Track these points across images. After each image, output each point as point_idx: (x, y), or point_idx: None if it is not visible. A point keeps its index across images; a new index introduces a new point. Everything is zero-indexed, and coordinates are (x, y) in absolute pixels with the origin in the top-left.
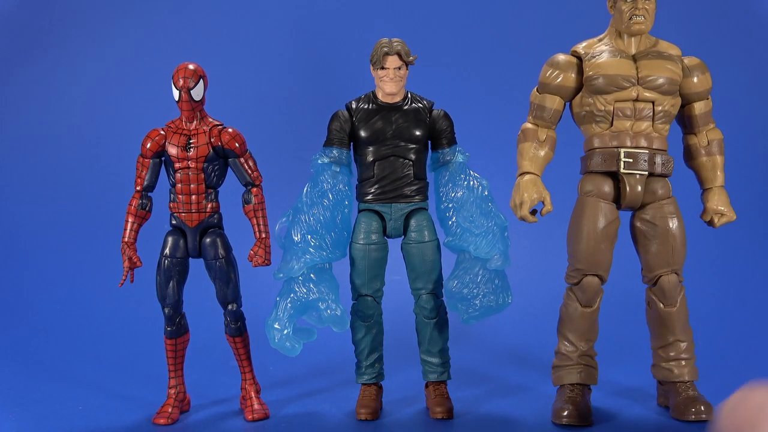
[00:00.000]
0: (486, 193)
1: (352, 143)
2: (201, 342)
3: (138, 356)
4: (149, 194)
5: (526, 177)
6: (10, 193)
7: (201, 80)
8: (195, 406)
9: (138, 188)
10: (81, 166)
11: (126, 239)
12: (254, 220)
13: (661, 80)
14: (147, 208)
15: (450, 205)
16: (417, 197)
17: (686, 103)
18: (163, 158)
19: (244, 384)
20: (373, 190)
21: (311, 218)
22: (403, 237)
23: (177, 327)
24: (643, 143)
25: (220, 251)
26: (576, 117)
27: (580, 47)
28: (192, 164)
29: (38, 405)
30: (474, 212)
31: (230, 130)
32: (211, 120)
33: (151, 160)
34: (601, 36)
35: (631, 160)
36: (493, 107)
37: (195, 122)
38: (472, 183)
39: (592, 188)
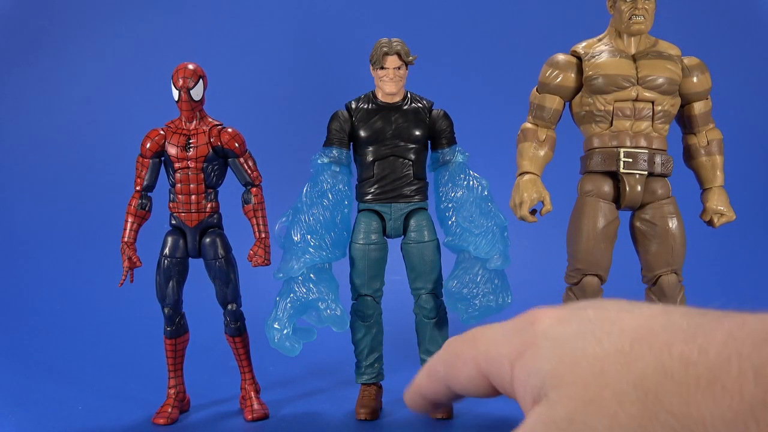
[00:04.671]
0: (486, 193)
1: (351, 143)
2: (201, 342)
3: (138, 356)
4: (149, 194)
5: (526, 177)
6: (9, 193)
7: (200, 80)
8: (195, 406)
9: (137, 188)
10: (81, 166)
11: (125, 239)
12: (254, 220)
13: (660, 80)
14: (147, 208)
15: (450, 205)
16: (417, 197)
17: (686, 103)
18: (162, 158)
19: (243, 384)
20: (372, 190)
21: (311, 218)
22: (402, 237)
23: (177, 327)
24: (643, 143)
25: (220, 251)
26: (576, 117)
27: (580, 47)
28: (191, 164)
29: (38, 405)
30: (474, 212)
31: (230, 130)
32: (210, 120)
33: (150, 160)
34: (600, 36)
35: (630, 160)
36: (493, 107)
37: (194, 122)
38: (471, 183)
39: (591, 188)
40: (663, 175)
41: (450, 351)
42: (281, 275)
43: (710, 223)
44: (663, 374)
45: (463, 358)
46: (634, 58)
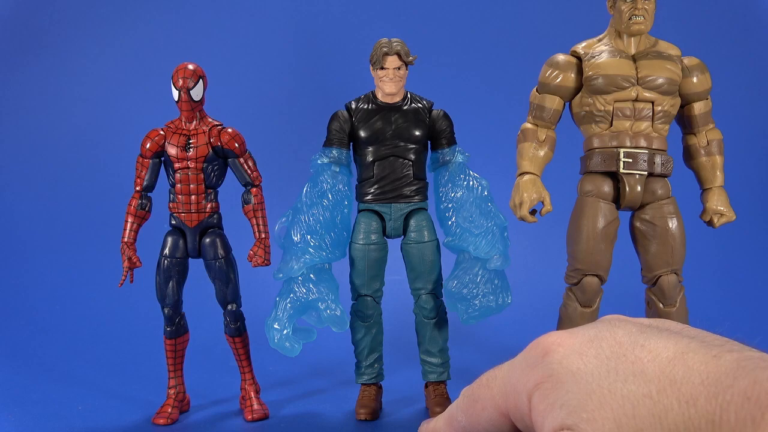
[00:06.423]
0: (486, 193)
1: (351, 143)
2: (201, 342)
3: (138, 356)
4: (149, 194)
5: (526, 177)
6: (9, 193)
7: (200, 80)
8: (195, 406)
9: (137, 188)
10: (81, 166)
11: (125, 239)
12: (254, 221)
13: (660, 80)
14: (146, 209)
15: (449, 205)
16: (417, 197)
17: (686, 103)
18: (162, 158)
19: (243, 384)
20: (372, 191)
21: (311, 218)
22: (402, 237)
23: (176, 327)
24: (643, 143)
25: (220, 251)
26: (575, 117)
27: (580, 47)
28: (191, 164)
29: (38, 405)
30: (473, 212)
31: (230, 130)
32: (210, 120)
33: (150, 161)
34: (600, 36)
35: (630, 160)
36: (493, 107)
37: (194, 122)
38: (471, 183)
39: (591, 188)
40: (663, 176)
41: (467, 398)
42: (281, 275)
43: (710, 223)
44: (693, 430)
45: (482, 402)
46: (634, 59)
